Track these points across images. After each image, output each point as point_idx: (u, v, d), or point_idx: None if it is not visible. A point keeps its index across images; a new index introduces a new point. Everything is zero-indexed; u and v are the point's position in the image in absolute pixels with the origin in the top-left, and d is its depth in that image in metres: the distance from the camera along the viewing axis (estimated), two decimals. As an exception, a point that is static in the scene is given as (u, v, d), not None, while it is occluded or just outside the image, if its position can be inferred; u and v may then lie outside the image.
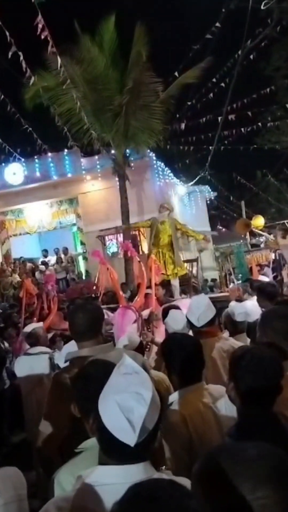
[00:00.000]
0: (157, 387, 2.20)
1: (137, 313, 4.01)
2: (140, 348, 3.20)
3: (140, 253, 14.48)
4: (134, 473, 1.24)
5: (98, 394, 1.34)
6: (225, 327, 4.01)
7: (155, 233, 8.80)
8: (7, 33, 7.92)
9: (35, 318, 5.90)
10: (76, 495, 1.27)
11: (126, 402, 1.24)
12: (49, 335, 5.26)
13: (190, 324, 3.32)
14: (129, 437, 1.22)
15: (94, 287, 12.90)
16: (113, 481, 1.23)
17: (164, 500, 0.92)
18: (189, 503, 0.92)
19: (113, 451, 1.27)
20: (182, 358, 2.35)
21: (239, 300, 5.76)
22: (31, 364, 4.34)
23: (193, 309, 3.29)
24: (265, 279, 7.29)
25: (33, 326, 4.83)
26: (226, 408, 2.12)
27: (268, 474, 0.96)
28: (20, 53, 8.39)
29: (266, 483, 0.95)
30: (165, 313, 3.95)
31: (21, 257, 16.82)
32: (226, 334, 3.56)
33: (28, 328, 4.78)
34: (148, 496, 0.93)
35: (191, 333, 3.28)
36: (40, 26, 7.89)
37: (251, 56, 15.04)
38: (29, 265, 16.37)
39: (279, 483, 0.96)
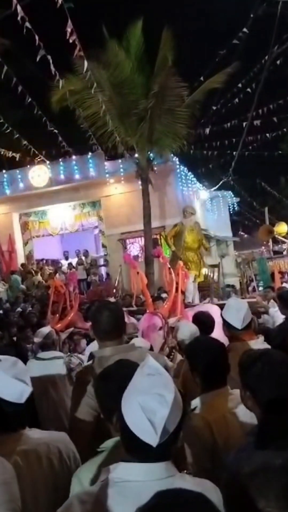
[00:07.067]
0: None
1: (163, 320, 3.96)
2: None
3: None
4: (156, 471, 1.27)
5: (120, 394, 1.35)
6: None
7: (182, 238, 8.97)
8: (37, 37, 8.03)
9: (57, 315, 5.85)
10: (99, 490, 1.29)
11: (149, 403, 1.26)
12: (65, 334, 5.14)
13: (228, 326, 3.16)
14: (151, 438, 1.24)
15: (114, 290, 12.96)
16: (136, 478, 1.27)
17: None
18: None
19: (136, 450, 1.30)
20: (206, 362, 2.31)
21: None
22: (43, 368, 4.14)
23: (233, 312, 3.12)
24: (288, 286, 7.16)
25: (47, 329, 4.57)
26: (244, 414, 2.07)
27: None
28: (48, 56, 8.50)
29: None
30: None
31: (42, 259, 16.97)
32: (261, 338, 3.41)
33: (43, 331, 4.54)
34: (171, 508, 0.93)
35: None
36: (68, 30, 7.97)
37: (278, 62, 14.91)
38: (46, 267, 16.40)
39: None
